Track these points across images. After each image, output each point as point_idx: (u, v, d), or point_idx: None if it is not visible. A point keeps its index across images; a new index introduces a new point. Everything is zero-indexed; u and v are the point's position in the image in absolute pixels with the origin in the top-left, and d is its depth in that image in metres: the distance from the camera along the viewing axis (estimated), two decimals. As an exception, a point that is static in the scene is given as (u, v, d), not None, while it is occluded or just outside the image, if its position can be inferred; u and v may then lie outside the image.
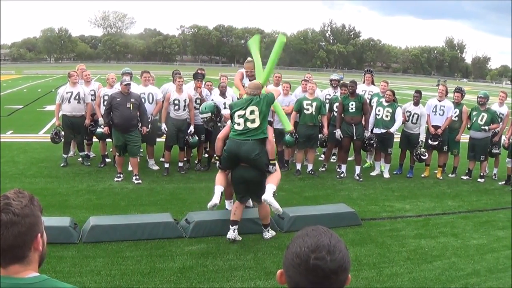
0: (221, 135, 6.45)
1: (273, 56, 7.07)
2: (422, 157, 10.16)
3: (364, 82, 11.58)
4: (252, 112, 6.12)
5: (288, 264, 1.37)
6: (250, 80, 7.54)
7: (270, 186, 6.06)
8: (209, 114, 6.67)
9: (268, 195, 5.96)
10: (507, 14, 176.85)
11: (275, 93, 6.77)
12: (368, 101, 10.31)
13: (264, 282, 5.13)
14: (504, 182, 10.27)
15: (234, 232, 6.22)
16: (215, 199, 6.10)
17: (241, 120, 6.13)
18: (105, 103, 9.12)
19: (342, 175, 10.06)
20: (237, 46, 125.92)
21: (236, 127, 6.16)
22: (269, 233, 6.48)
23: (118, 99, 8.58)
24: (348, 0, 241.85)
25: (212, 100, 9.61)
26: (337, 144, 10.45)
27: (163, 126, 9.49)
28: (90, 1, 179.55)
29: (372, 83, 11.53)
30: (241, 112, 6.15)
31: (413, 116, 10.19)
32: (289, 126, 7.71)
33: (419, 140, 10.18)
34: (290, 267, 1.36)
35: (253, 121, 6.10)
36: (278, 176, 6.35)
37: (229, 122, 6.66)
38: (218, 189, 6.23)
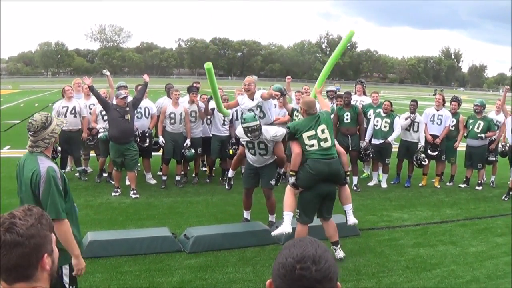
0: (299, 149, 5.97)
1: (337, 52, 7.58)
2: (422, 162, 10.13)
3: (356, 93, 11.59)
4: (323, 131, 5.92)
5: (275, 274, 1.41)
6: (248, 95, 7.55)
7: (350, 207, 6.30)
8: (258, 122, 6.58)
9: (354, 219, 6.33)
10: (503, 22, 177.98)
11: (327, 107, 6.75)
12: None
13: (263, 295, 5.11)
14: (505, 196, 9.76)
15: None
16: (287, 228, 5.77)
17: (314, 141, 5.86)
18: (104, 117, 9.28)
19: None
20: (234, 58, 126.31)
21: (308, 148, 5.88)
22: (341, 252, 6.16)
23: (117, 109, 8.59)
24: (344, 11, 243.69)
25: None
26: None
27: (161, 139, 9.50)
28: (90, 0, 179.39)
29: (364, 93, 11.57)
30: (311, 133, 5.90)
31: (413, 124, 10.22)
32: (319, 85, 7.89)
33: (419, 145, 10.16)
34: (277, 277, 1.40)
35: (325, 140, 5.88)
36: (349, 192, 6.42)
37: (280, 131, 6.70)
38: (289, 216, 5.86)
